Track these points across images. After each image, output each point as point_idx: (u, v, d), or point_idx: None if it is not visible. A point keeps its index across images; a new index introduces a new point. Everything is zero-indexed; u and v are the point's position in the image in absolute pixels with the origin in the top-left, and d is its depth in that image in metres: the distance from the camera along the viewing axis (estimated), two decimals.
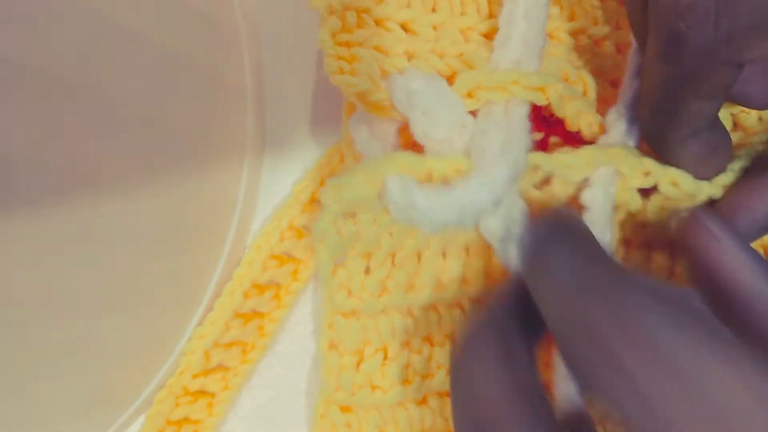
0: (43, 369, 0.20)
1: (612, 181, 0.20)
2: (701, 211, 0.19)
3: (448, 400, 0.23)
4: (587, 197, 0.20)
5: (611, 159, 0.20)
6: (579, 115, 0.21)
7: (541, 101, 0.20)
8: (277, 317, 0.25)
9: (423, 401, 0.23)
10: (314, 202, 0.25)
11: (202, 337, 0.24)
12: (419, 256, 0.22)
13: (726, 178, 0.20)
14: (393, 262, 0.22)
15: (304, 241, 0.25)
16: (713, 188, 0.20)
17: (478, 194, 0.18)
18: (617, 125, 0.21)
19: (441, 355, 0.22)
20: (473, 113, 0.20)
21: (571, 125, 0.21)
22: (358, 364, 0.22)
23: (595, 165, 0.20)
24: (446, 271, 0.22)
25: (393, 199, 0.18)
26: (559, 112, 0.21)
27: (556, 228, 0.17)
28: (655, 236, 0.22)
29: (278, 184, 0.26)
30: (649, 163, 0.20)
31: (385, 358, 0.22)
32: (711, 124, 0.19)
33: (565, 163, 0.20)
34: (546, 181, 0.20)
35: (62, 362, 0.21)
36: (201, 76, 0.23)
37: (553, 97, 0.20)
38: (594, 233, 0.18)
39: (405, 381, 0.22)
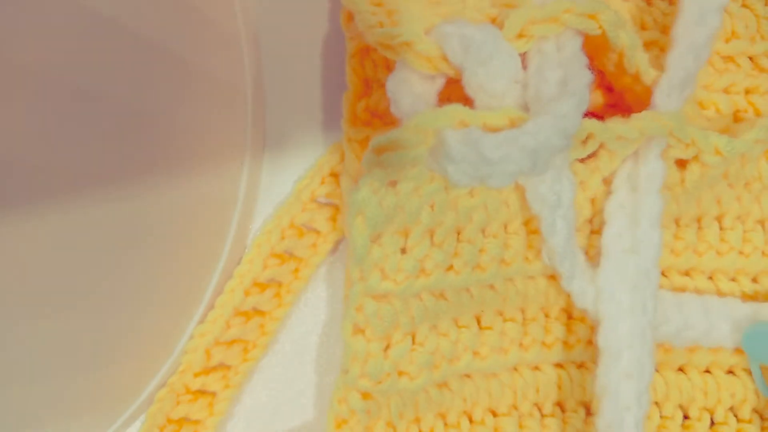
0: (44, 368, 0.20)
1: (662, 154, 0.19)
2: None
3: (468, 382, 0.22)
4: (640, 172, 0.19)
5: (663, 128, 0.19)
6: (635, 47, 0.20)
7: (594, 30, 0.19)
8: (278, 316, 0.25)
9: (444, 384, 0.22)
10: (315, 200, 0.25)
11: (203, 335, 0.24)
12: (459, 233, 0.20)
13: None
14: (432, 240, 0.20)
15: (305, 240, 0.25)
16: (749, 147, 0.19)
17: (550, 132, 0.17)
18: (665, 87, 0.20)
19: (468, 337, 0.21)
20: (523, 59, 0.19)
21: (628, 62, 0.20)
22: (385, 350, 0.21)
23: (648, 134, 0.19)
24: (486, 251, 0.21)
25: (454, 154, 0.17)
26: (614, 41, 0.20)
27: None
28: (686, 211, 0.22)
29: (278, 184, 0.26)
30: (694, 133, 0.19)
31: (414, 343, 0.21)
32: None
33: (619, 132, 0.19)
34: (592, 154, 0.19)
35: (63, 361, 0.21)
36: (201, 76, 0.24)
37: (606, 23, 0.19)
38: (647, 213, 0.18)
39: (434, 367, 0.21)
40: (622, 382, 0.20)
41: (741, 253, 0.23)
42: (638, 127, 0.19)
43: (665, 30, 0.23)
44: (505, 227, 0.21)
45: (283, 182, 0.26)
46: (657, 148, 0.19)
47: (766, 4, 0.24)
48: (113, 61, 0.19)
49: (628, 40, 0.20)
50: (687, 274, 0.23)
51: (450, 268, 0.21)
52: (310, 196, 0.25)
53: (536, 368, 0.23)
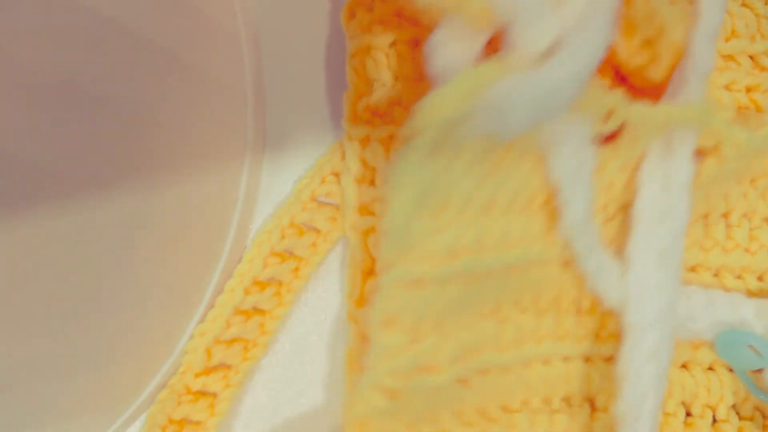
0: (44, 367, 0.20)
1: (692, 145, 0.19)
2: None
3: (489, 379, 0.21)
4: (668, 165, 0.19)
5: (688, 119, 0.18)
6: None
7: None
8: (279, 315, 0.25)
9: (465, 380, 0.20)
10: (315, 200, 0.25)
11: (203, 334, 0.24)
12: (489, 209, 0.19)
13: None
14: (468, 216, 0.19)
15: (306, 239, 0.25)
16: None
17: (569, 65, 0.17)
18: (688, 76, 0.19)
19: (490, 328, 0.21)
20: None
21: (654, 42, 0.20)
22: (414, 344, 0.19)
23: (673, 123, 0.18)
24: (511, 231, 0.20)
25: (501, 106, 0.16)
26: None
27: None
28: (695, 207, 0.22)
29: (278, 183, 0.26)
30: (721, 125, 0.19)
31: (442, 336, 0.20)
32: None
33: (644, 113, 0.18)
34: (613, 136, 0.19)
35: (63, 361, 0.21)
36: (201, 76, 0.24)
37: None
38: (675, 211, 0.18)
39: (459, 361, 0.20)
40: (644, 365, 0.20)
41: (747, 250, 0.23)
42: (666, 112, 0.18)
43: None
44: (530, 203, 0.20)
45: (283, 182, 0.26)
46: (687, 142, 0.19)
47: (766, 3, 0.24)
48: (112, 61, 0.19)
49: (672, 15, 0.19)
50: (693, 270, 0.23)
51: (480, 248, 0.19)
52: (310, 195, 0.25)
53: (547, 362, 0.22)
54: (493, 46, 0.19)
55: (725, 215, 0.23)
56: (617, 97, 0.18)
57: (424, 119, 0.16)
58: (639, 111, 0.18)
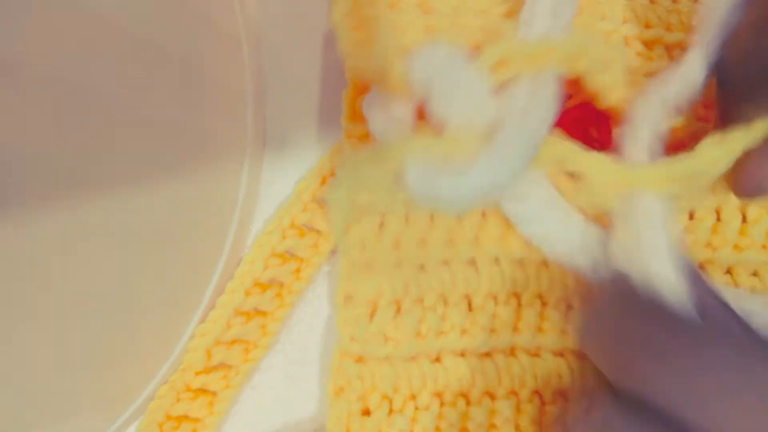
0: (44, 367, 0.20)
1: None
2: None
3: (462, 360, 0.23)
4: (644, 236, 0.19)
5: (648, 183, 0.19)
6: (613, 87, 0.20)
7: (573, 72, 0.19)
8: (280, 316, 0.25)
9: (437, 359, 0.23)
10: (316, 200, 0.25)
11: (204, 334, 0.24)
12: (432, 218, 0.22)
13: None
14: (407, 220, 0.22)
15: (307, 240, 0.25)
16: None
17: (496, 175, 0.18)
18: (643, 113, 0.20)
19: (455, 315, 0.22)
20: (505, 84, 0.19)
21: (601, 100, 0.20)
22: (371, 315, 0.23)
23: (625, 186, 0.19)
24: (459, 232, 0.22)
25: (414, 188, 0.18)
26: (592, 83, 0.20)
27: None
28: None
29: (279, 184, 0.26)
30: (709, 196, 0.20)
31: (398, 311, 0.23)
32: None
33: (592, 168, 0.19)
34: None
35: (63, 361, 0.21)
36: (201, 76, 0.24)
37: (585, 67, 0.19)
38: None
39: (418, 335, 0.22)
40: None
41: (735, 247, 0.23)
42: (613, 173, 0.19)
43: (669, 27, 0.23)
44: (484, 215, 0.22)
45: (284, 182, 0.26)
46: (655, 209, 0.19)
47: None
48: (112, 61, 0.19)
49: (608, 81, 0.20)
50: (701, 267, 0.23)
51: (424, 243, 0.22)
52: (311, 196, 0.25)
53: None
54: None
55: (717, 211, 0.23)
56: (566, 146, 0.19)
57: (350, 177, 0.19)
58: (589, 164, 0.19)
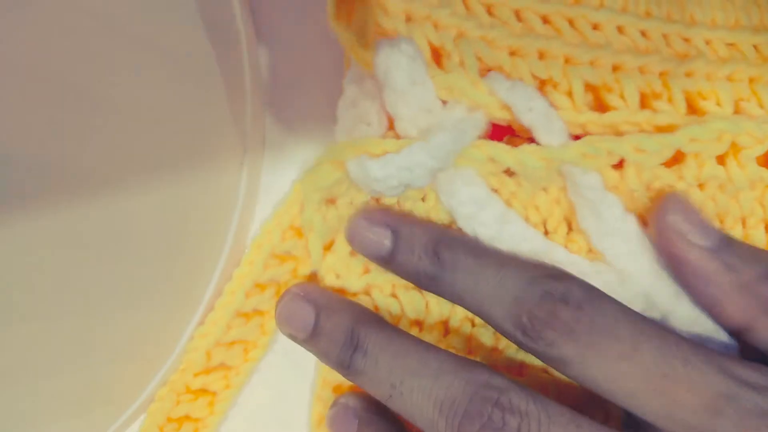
0: (44, 367, 0.20)
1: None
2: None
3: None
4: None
5: (575, 156, 0.21)
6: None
7: (506, 120, 0.21)
8: None
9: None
10: None
11: (204, 336, 0.24)
12: None
13: None
14: None
15: (305, 240, 0.25)
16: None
17: (420, 157, 0.20)
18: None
19: (430, 339, 0.23)
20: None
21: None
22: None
23: (558, 163, 0.21)
24: None
25: (354, 176, 0.21)
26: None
27: None
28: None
29: (278, 184, 0.26)
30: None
31: None
32: None
33: (523, 160, 0.21)
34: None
35: (63, 361, 0.21)
36: (201, 76, 0.24)
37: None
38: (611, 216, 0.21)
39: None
40: None
41: None
42: (543, 154, 0.21)
43: None
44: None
45: (283, 182, 0.26)
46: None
47: None
48: (112, 60, 0.19)
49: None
50: None
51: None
52: None
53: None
54: None
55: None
56: (493, 145, 0.21)
57: (310, 184, 0.22)
58: (520, 157, 0.21)
